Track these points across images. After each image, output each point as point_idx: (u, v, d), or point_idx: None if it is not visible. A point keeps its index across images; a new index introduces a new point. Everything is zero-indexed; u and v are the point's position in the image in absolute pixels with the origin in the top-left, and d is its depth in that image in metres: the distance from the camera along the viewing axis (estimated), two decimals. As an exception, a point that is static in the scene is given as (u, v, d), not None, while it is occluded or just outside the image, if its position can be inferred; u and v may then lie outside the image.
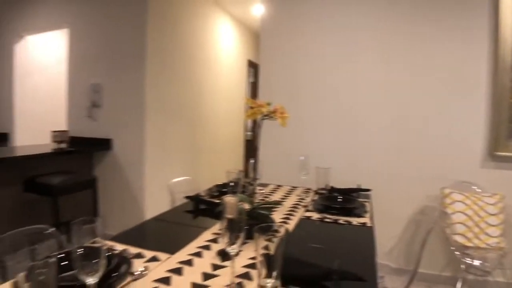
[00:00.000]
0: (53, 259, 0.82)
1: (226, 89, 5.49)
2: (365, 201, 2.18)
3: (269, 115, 1.57)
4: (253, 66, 6.49)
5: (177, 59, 4.10)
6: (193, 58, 4.48)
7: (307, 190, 2.49)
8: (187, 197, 2.10)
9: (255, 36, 6.18)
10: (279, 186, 2.70)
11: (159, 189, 3.64)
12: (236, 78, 5.90)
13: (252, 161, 2.01)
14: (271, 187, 2.66)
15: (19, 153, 3.21)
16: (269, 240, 0.96)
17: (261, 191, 2.45)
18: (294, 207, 2.07)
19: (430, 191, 3.02)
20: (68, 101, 4.08)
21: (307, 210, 2.00)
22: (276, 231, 0.97)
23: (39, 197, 2.95)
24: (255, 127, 1.73)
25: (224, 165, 4.63)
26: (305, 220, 1.82)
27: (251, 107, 1.61)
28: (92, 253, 0.84)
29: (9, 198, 2.94)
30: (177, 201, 2.32)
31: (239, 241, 1.03)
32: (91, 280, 0.84)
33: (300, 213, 1.94)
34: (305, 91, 3.42)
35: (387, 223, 3.09)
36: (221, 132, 5.41)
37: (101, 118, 3.78)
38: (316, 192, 2.38)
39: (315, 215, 1.90)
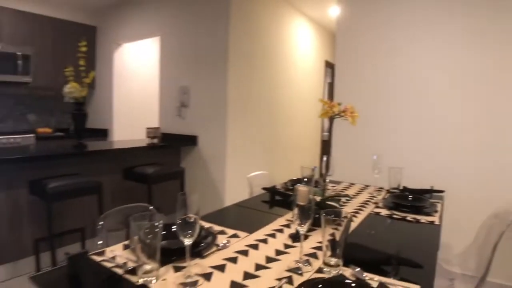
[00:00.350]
0: (159, 227, 1.04)
1: (303, 90, 5.63)
2: (437, 202, 2.19)
3: (340, 114, 1.69)
4: (330, 67, 6.55)
5: (257, 61, 4.35)
6: (272, 60, 4.70)
7: (379, 189, 2.54)
8: (264, 189, 2.30)
9: (332, 37, 6.25)
10: (351, 184, 2.79)
11: (238, 182, 3.92)
12: (313, 78, 6.02)
13: (324, 158, 2.14)
14: (343, 184, 2.76)
15: (120, 146, 3.68)
16: (335, 228, 1.11)
17: (334, 188, 2.57)
18: (365, 203, 2.16)
19: (510, 194, 2.87)
20: (160, 101, 4.55)
21: (377, 207, 2.08)
22: (342, 218, 1.11)
23: (135, 184, 3.37)
24: (331, 128, 1.86)
25: (300, 163, 4.78)
26: (373, 216, 1.91)
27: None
28: (188, 223, 1.05)
29: (111, 184, 3.41)
30: (255, 193, 2.52)
31: (308, 224, 1.18)
32: (187, 241, 1.05)
33: (369, 209, 2.03)
34: (379, 90, 3.44)
35: (459, 227, 3.00)
36: (297, 131, 5.56)
37: (188, 116, 4.17)
38: (388, 191, 2.43)
39: (384, 212, 1.98)
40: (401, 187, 2.39)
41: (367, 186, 2.71)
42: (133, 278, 1.05)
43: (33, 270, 2.86)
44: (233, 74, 3.87)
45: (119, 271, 1.11)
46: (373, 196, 2.36)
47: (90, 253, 1.25)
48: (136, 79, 5.53)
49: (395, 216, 1.89)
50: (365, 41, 3.52)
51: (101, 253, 1.26)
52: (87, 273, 1.04)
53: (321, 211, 1.15)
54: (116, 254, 1.25)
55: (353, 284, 1.02)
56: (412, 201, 2.13)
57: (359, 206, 2.08)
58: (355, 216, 1.85)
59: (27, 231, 2.93)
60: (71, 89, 3.27)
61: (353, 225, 1.69)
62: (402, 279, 1.11)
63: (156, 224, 1.05)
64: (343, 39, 3.68)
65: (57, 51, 5.01)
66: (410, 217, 1.87)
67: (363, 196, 2.36)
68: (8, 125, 4.98)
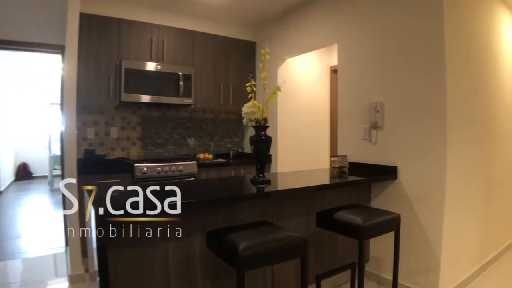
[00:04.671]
0: None
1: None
2: None
3: None
4: None
5: (477, 67, 3.17)
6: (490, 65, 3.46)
7: None
8: None
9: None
10: None
11: (462, 235, 2.79)
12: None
13: None
14: None
15: (309, 183, 2.96)
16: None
17: None
18: None
19: None
20: (339, 122, 3.69)
21: None
22: None
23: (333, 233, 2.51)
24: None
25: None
26: None
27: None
28: None
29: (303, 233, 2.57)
30: None
31: None
32: None
33: None
34: None
35: None
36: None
37: (381, 141, 3.17)
38: None
39: None
40: None
41: None
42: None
43: None
44: (452, 84, 2.79)
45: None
46: None
47: None
48: (302, 97, 4.86)
49: None
50: None
51: None
52: None
53: None
54: None
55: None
56: None
57: None
58: None
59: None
60: (252, 109, 2.53)
61: None
62: None
63: None
64: None
65: (216, 69, 4.59)
66: None
67: None
68: (169, 149, 4.69)
